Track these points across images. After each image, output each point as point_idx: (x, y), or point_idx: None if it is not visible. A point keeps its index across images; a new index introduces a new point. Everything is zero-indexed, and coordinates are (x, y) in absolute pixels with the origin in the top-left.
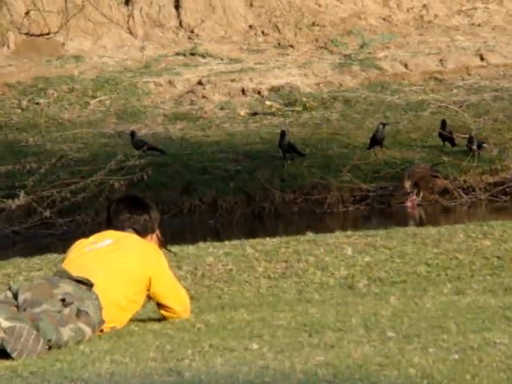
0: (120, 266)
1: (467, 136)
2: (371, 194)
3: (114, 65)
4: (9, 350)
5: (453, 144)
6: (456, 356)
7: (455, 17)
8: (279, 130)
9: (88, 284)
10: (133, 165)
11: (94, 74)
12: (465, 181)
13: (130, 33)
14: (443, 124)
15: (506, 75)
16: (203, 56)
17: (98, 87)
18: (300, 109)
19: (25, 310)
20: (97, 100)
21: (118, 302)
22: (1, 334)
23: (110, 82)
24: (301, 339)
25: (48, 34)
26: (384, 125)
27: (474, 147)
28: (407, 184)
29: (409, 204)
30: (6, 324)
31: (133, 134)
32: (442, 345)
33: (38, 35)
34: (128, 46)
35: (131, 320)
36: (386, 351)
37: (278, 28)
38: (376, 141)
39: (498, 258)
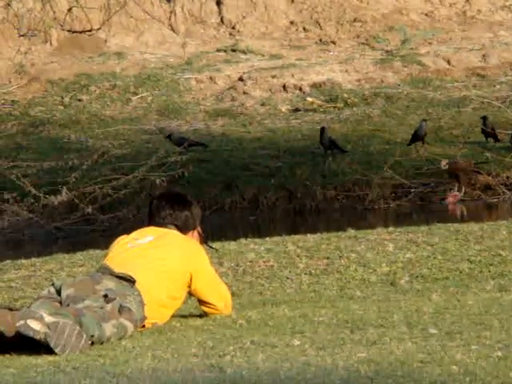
0: (161, 262)
1: (511, 132)
2: (413, 190)
3: (156, 61)
4: (52, 345)
5: (496, 140)
6: (499, 353)
7: (498, 12)
8: (320, 127)
9: (130, 280)
10: (174, 161)
11: (136, 71)
12: (507, 177)
13: (172, 29)
14: (484, 120)
15: None
16: (244, 52)
17: (140, 84)
18: (341, 105)
19: (68, 305)
20: (138, 96)
21: (159, 299)
22: (44, 329)
23: (151, 78)
24: (342, 336)
25: (90, 30)
26: (426, 121)
27: None
28: (443, 163)
29: (450, 199)
30: (49, 319)
31: (170, 135)
32: (485, 342)
33: (81, 32)
34: (169, 43)
35: (173, 316)
36: (428, 348)
37: (319, 24)
38: (417, 137)
39: None
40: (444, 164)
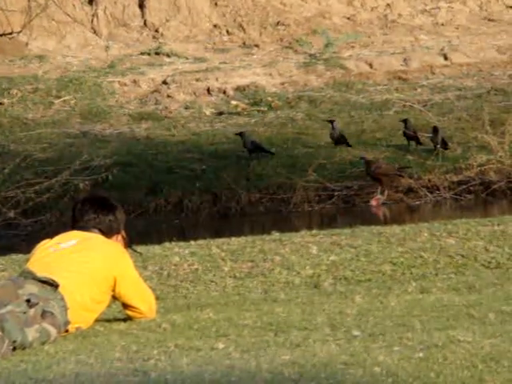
0: (85, 266)
1: (432, 128)
2: (336, 193)
3: (79, 64)
4: None
5: (418, 143)
6: (421, 354)
7: (419, 16)
8: (245, 130)
9: (53, 285)
10: (97, 165)
11: (58, 74)
12: (429, 180)
13: (95, 32)
14: (405, 122)
15: (469, 74)
16: (168, 55)
17: (63, 87)
18: (265, 108)
19: None
20: (61, 100)
21: (83, 303)
22: None
23: (74, 81)
24: (267, 338)
25: (11, 33)
26: (333, 121)
27: (438, 142)
28: (367, 159)
29: (373, 203)
30: None
31: (241, 134)
32: (407, 343)
33: (1, 35)
34: (92, 46)
35: (96, 320)
36: (352, 350)
37: (242, 27)
38: (334, 139)
39: (462, 256)
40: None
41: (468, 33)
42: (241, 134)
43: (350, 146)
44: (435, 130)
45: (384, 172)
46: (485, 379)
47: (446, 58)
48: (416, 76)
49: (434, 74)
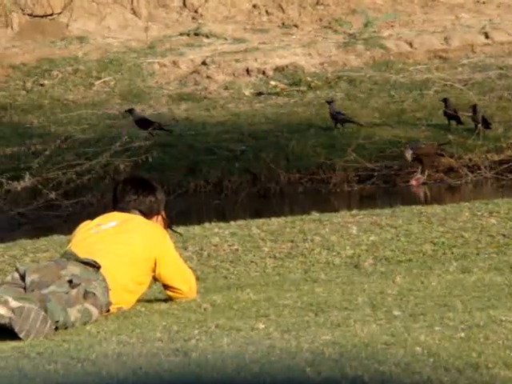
0: (126, 247)
1: (471, 107)
2: (376, 173)
3: (118, 45)
4: (16, 330)
5: (459, 122)
6: (462, 334)
7: None
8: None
9: (95, 266)
10: (138, 146)
11: (98, 55)
12: (470, 159)
13: (134, 13)
14: (445, 102)
15: (511, 53)
16: (207, 36)
17: (103, 68)
18: (304, 88)
19: (32, 291)
20: (101, 81)
21: (124, 284)
22: (9, 313)
23: (114, 62)
24: (307, 318)
25: (51, 14)
26: (329, 103)
27: (479, 121)
28: (408, 154)
29: (413, 182)
30: (14, 304)
31: (330, 101)
32: (448, 323)
33: (42, 16)
34: (132, 27)
35: (138, 301)
36: (392, 330)
37: (281, 7)
38: (333, 118)
39: (504, 236)
40: (408, 156)
41: (509, 11)
42: (329, 103)
43: (353, 122)
44: (475, 108)
45: (424, 152)
46: None
47: (487, 37)
48: (456, 55)
49: (474, 52)
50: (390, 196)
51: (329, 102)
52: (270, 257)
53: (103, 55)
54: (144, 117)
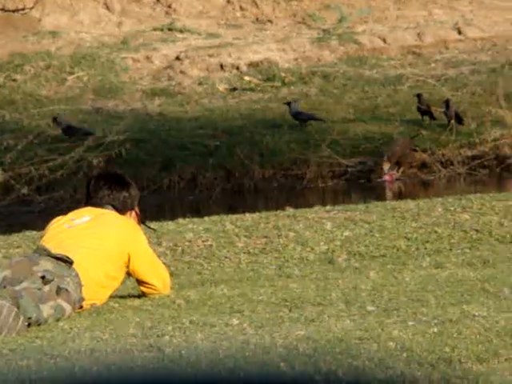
0: (99, 242)
1: (444, 102)
2: (350, 169)
3: (92, 40)
4: None
5: (432, 117)
6: (435, 329)
7: None
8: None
9: (68, 261)
10: (111, 141)
11: (71, 50)
12: (443, 154)
13: (107, 8)
14: (419, 97)
15: (483, 49)
16: (181, 31)
17: (76, 63)
18: (279, 84)
19: (4, 287)
20: (74, 76)
21: (97, 279)
22: None
23: (87, 57)
24: (281, 314)
25: (24, 9)
26: (288, 104)
27: (452, 116)
28: (386, 166)
29: (387, 178)
30: None
31: (289, 103)
32: (421, 318)
33: (14, 11)
34: (105, 22)
35: (111, 297)
36: (366, 325)
37: (255, 3)
38: (295, 119)
39: (477, 231)
40: (387, 167)
41: (482, 7)
42: (288, 104)
43: (323, 120)
44: (448, 104)
45: (400, 155)
46: (500, 353)
47: (459, 33)
48: (430, 51)
49: (447, 48)
50: (364, 192)
51: (288, 104)
52: (244, 252)
53: (76, 50)
54: (70, 124)
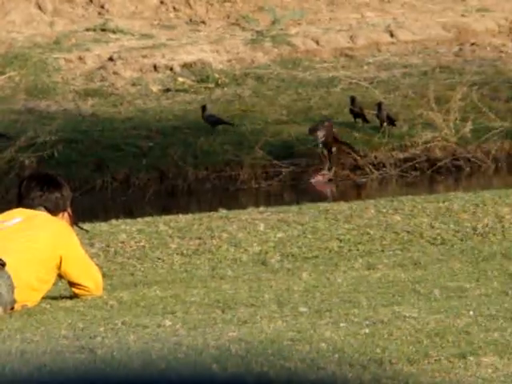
0: (30, 245)
1: (376, 105)
2: (284, 170)
3: (23, 40)
4: None
5: (364, 120)
6: (367, 330)
7: None
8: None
9: None
10: (43, 141)
11: (3, 50)
12: (375, 157)
13: (39, 8)
14: (352, 100)
15: (415, 51)
16: (114, 32)
17: (7, 63)
18: (212, 85)
19: None
20: (6, 76)
21: (29, 282)
22: None
23: (19, 57)
24: (214, 315)
25: None
26: (203, 107)
27: (384, 119)
28: (320, 135)
29: (319, 178)
30: None
31: (204, 106)
32: (353, 319)
33: None
34: (37, 22)
35: (43, 298)
36: (298, 326)
37: (189, 4)
38: (208, 122)
39: (408, 232)
40: (321, 136)
41: (414, 10)
42: (203, 108)
43: (228, 123)
44: (380, 106)
45: (335, 137)
46: (430, 354)
47: (391, 35)
48: (362, 53)
49: (380, 51)
50: (297, 193)
51: (203, 107)
52: (178, 253)
53: (8, 50)
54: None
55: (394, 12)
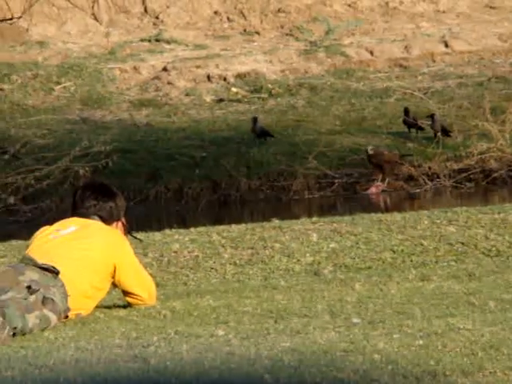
0: (85, 253)
1: (430, 117)
2: (337, 181)
3: (79, 51)
4: None
5: (419, 129)
6: (420, 342)
7: (420, 3)
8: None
9: (54, 271)
10: (97, 151)
11: (59, 60)
12: (430, 167)
13: (95, 18)
14: (406, 111)
15: (470, 62)
16: (168, 42)
17: (63, 73)
18: (266, 96)
19: None
20: (61, 86)
21: (83, 290)
22: None
23: (74, 68)
24: (266, 325)
25: (11, 18)
26: (254, 119)
27: (438, 129)
28: (370, 148)
29: (373, 190)
30: None
31: (255, 119)
32: (407, 330)
33: (1, 20)
34: (93, 32)
35: (96, 307)
36: (351, 337)
37: (243, 14)
38: (256, 133)
39: (462, 244)
40: (370, 149)
41: (469, 20)
42: (254, 119)
43: (273, 136)
44: (433, 117)
45: (386, 160)
46: (484, 367)
47: (446, 46)
48: (417, 63)
49: (434, 61)
50: (351, 203)
51: (254, 119)
52: (230, 263)
53: (63, 60)
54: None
55: (449, 22)
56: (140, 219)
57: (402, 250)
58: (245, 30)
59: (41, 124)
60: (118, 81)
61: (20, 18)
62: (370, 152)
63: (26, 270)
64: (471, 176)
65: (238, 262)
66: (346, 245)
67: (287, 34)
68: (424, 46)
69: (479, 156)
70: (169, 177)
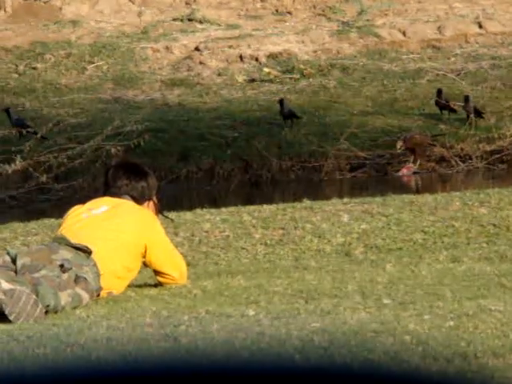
0: (116, 234)
1: (463, 97)
2: (368, 162)
3: (112, 30)
4: (7, 313)
5: (451, 111)
6: (451, 323)
7: None
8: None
9: (86, 251)
10: (129, 130)
11: (91, 39)
12: (462, 149)
13: None
14: (439, 92)
15: (504, 43)
16: (201, 22)
17: (96, 52)
18: (297, 76)
19: (23, 274)
20: (94, 65)
21: (114, 270)
22: (0, 295)
23: (107, 47)
24: (297, 306)
25: None
26: (281, 101)
27: (471, 111)
28: (398, 145)
29: (404, 171)
30: (6, 286)
31: (282, 101)
32: (438, 312)
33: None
34: (125, 11)
35: (128, 286)
36: (382, 318)
37: None
38: (284, 116)
39: (494, 225)
40: (399, 146)
41: (503, 1)
42: (281, 101)
43: (299, 117)
44: (466, 98)
45: (417, 143)
46: None
47: (480, 27)
48: (450, 44)
49: (468, 42)
50: (382, 185)
51: (280, 101)
52: (261, 244)
53: (96, 39)
54: (19, 117)
55: (483, 3)
56: (171, 199)
57: (433, 232)
58: (277, 10)
59: (73, 103)
60: (151, 60)
61: None
62: (400, 149)
63: (59, 248)
64: (503, 157)
65: (268, 242)
66: (377, 226)
67: (319, 14)
68: (457, 26)
69: None
70: (200, 157)
